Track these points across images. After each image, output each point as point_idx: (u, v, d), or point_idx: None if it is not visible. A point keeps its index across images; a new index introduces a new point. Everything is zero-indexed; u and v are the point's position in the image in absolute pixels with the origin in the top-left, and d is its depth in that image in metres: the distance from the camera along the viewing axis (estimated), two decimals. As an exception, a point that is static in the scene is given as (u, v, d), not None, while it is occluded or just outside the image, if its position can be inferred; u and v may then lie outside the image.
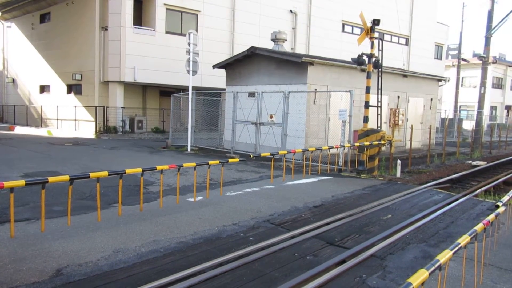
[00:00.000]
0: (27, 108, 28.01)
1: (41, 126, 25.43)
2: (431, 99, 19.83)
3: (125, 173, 5.42)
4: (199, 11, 22.87)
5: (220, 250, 5.07)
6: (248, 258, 4.77)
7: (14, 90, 30.15)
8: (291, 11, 26.51)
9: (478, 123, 21.82)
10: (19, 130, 24.67)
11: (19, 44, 28.75)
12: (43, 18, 26.43)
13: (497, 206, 4.25)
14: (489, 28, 20.98)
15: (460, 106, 37.34)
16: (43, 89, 26.85)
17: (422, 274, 2.49)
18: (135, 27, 21.16)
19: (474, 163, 15.33)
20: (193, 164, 6.46)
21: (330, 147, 9.78)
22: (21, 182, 4.35)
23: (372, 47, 11.59)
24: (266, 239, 5.47)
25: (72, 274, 4.25)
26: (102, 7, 21.41)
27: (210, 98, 18.84)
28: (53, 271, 4.30)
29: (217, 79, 21.73)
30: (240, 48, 21.06)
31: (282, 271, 4.51)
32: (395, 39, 32.15)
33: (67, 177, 4.83)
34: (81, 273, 4.30)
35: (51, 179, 4.61)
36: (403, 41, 32.95)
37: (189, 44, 15.42)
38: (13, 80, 30.18)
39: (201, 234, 5.69)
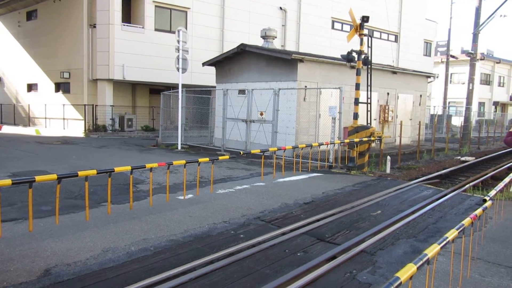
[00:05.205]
0: (14, 107, 27.64)
1: (29, 125, 25.13)
2: (421, 96, 19.99)
3: (114, 171, 5.38)
4: (189, 8, 22.74)
5: (211, 248, 5.06)
6: (239, 256, 4.76)
7: (1, 89, 29.73)
8: (280, 8, 26.49)
9: (467, 119, 22.05)
10: (6, 129, 24.34)
11: (5, 42, 28.32)
12: (30, 16, 26.07)
13: (485, 201, 4.29)
14: (477, 25, 21.17)
15: (449, 102, 37.69)
16: (31, 87, 26.52)
17: (410, 269, 2.51)
18: (124, 25, 20.97)
19: (463, 158, 15.50)
20: (183, 162, 6.42)
21: (320, 144, 9.79)
22: (7, 181, 4.29)
23: (361, 44, 11.63)
24: (256, 236, 5.47)
25: (60, 274, 4.21)
26: (90, 4, 21.18)
27: (200, 96, 18.77)
28: (41, 271, 4.25)
29: (207, 76, 21.66)
30: (230, 45, 21.01)
31: (273, 268, 4.51)
32: (384, 36, 32.31)
33: (54, 176, 4.77)
34: (70, 272, 4.26)
35: (38, 178, 4.55)
36: (392, 38, 33.14)
37: (178, 41, 15.34)
38: (0, 79, 29.74)
39: (192, 232, 5.67)
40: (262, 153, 7.95)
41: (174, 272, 4.22)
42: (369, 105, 12.28)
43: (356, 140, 10.80)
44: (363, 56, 11.67)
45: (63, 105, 22.78)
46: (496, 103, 47.63)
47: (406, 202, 7.79)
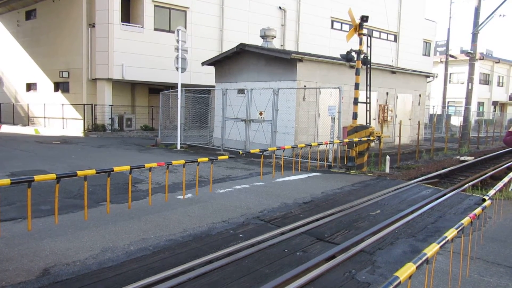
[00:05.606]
0: (14, 106, 27.61)
1: (28, 125, 25.10)
2: (420, 95, 19.99)
3: (113, 171, 5.37)
4: (188, 7, 22.72)
5: (210, 248, 5.05)
6: (238, 255, 4.76)
7: (0, 88, 29.70)
8: (280, 7, 26.48)
9: (466, 118, 22.07)
10: (5, 128, 24.32)
11: (5, 41, 28.29)
12: (29, 15, 26.05)
13: (484, 200, 4.29)
14: (476, 25, 21.19)
15: (448, 102, 37.69)
16: (30, 87, 26.50)
17: (409, 268, 2.50)
18: (123, 24, 20.95)
19: (462, 158, 15.50)
20: (182, 161, 6.42)
21: (320, 144, 9.79)
22: (6, 180, 4.28)
23: (360, 43, 11.62)
24: (256, 236, 5.47)
25: (59, 274, 4.20)
26: (89, 3, 21.16)
27: (199, 96, 18.77)
28: (40, 271, 4.25)
29: (207, 76, 21.66)
30: (229, 45, 21.00)
31: (272, 268, 4.51)
32: (383, 35, 32.32)
33: (53, 176, 4.77)
34: (68, 272, 4.25)
35: (37, 177, 4.54)
36: (391, 37, 33.14)
37: (177, 41, 15.33)
38: (-1, 78, 29.76)
39: (191, 231, 5.67)
40: (261, 153, 7.95)
41: (173, 272, 4.21)
42: (368, 104, 12.28)
43: (355, 139, 10.80)
44: (362, 56, 11.67)
45: (62, 104, 22.76)
46: (495, 103, 47.65)
47: (405, 202, 7.79)
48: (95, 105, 21.26)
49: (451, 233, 3.19)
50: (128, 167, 5.62)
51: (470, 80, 21.92)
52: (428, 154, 16.31)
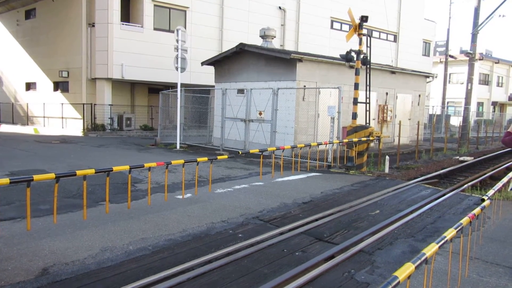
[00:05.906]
0: (13, 106, 27.60)
1: (28, 124, 25.10)
2: (419, 96, 20.00)
3: (112, 170, 5.37)
4: (188, 7, 22.72)
5: (209, 247, 5.05)
6: (237, 255, 4.76)
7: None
8: (280, 7, 26.48)
9: (465, 119, 22.09)
10: (5, 128, 24.31)
11: (4, 40, 28.29)
12: (29, 14, 26.04)
13: (483, 200, 4.29)
14: (476, 25, 21.20)
15: (447, 102, 37.68)
16: (29, 86, 26.49)
17: (408, 268, 2.50)
18: (123, 24, 20.95)
19: (462, 158, 15.51)
20: (182, 161, 6.42)
21: (319, 144, 9.79)
22: (6, 180, 4.28)
23: (360, 43, 11.63)
24: (255, 235, 5.47)
25: (58, 273, 4.20)
26: (89, 3, 21.16)
27: (199, 95, 18.78)
28: (39, 270, 4.25)
29: (206, 76, 21.65)
30: (229, 45, 21.00)
31: (271, 268, 4.51)
32: (383, 35, 32.33)
33: (52, 175, 4.77)
34: (67, 272, 4.25)
35: (36, 177, 4.54)
36: (391, 37, 33.15)
37: (177, 40, 15.32)
38: (-2, 78, 29.74)
39: (190, 231, 5.66)
40: (260, 153, 7.96)
41: (172, 272, 4.21)
42: (367, 105, 12.29)
43: (355, 140, 10.81)
44: (362, 56, 11.68)
45: (62, 104, 22.75)
46: (494, 103, 47.66)
47: (404, 202, 7.79)
48: (95, 104, 21.26)
49: (450, 233, 3.19)
50: (127, 167, 5.62)
51: (470, 80, 21.94)
52: (427, 154, 16.32)
